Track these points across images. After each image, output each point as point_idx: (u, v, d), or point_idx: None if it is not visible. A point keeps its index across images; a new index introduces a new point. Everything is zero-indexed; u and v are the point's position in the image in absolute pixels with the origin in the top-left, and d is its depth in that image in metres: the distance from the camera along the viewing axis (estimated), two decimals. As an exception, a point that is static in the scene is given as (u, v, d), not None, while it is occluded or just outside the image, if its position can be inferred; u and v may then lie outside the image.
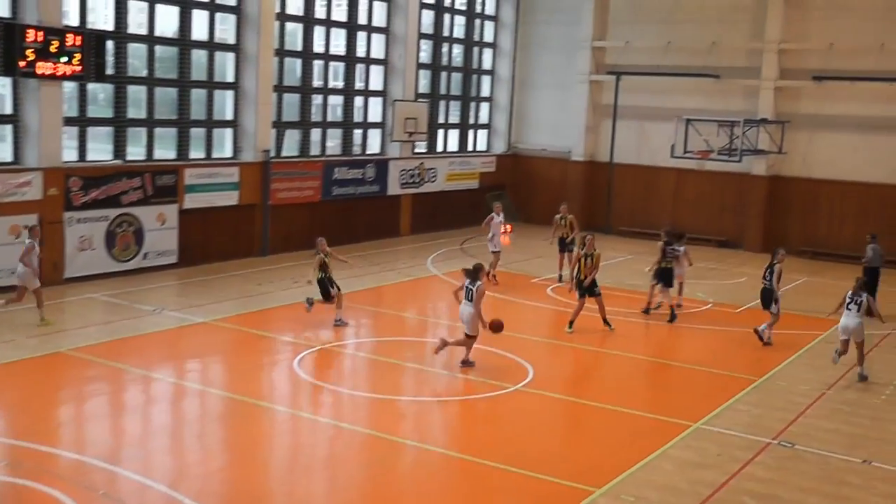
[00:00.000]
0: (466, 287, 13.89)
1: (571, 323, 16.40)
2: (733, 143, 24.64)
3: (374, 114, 26.37)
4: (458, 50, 29.40)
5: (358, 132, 25.87)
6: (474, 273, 13.86)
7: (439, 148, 28.92)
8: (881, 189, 26.24)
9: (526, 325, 16.57)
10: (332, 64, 24.58)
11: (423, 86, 28.30)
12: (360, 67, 25.74)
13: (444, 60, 28.80)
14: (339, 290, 15.92)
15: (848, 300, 14.17)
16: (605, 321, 16.55)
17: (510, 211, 29.61)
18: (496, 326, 13.93)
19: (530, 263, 22.17)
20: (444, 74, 28.76)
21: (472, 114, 30.37)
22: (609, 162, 29.52)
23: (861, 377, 14.40)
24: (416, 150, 27.43)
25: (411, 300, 18.47)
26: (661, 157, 28.09)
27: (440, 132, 28.94)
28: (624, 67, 28.99)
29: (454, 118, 29.78)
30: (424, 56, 28.01)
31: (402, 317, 16.98)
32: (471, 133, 30.50)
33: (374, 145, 26.43)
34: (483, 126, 31.15)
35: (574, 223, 20.60)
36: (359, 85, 25.76)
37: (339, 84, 25.15)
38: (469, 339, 13.95)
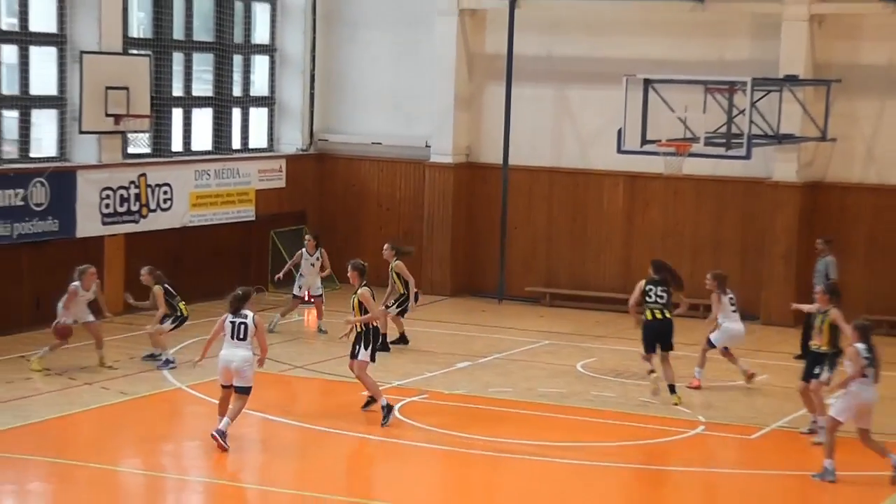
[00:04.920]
0: (232, 322, 17.88)
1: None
2: (735, 124, 25.02)
3: (44, 80, 26.43)
4: (204, -43, 30.04)
5: (10, 116, 26.00)
6: (241, 300, 17.98)
7: (176, 146, 29.27)
8: None
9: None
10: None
11: (140, 25, 28.52)
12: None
13: (179, -24, 29.39)
14: None
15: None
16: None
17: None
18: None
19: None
20: (178, 2, 29.12)
21: (236, 80, 30.83)
22: (502, 164, 29.97)
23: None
24: (132, 151, 27.86)
25: (135, 439, 19.17)
26: (601, 152, 28.65)
27: (176, 115, 29.28)
28: (525, -15, 29.91)
29: (203, 88, 30.13)
30: (139, -32, 28.71)
31: (114, 474, 17.23)
32: (237, 116, 30.96)
33: (44, 142, 26.76)
34: (260, 102, 31.48)
35: (403, 272, 24.55)
36: (7, 23, 25.64)
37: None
38: (244, 396, 17.89)
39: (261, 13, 31.17)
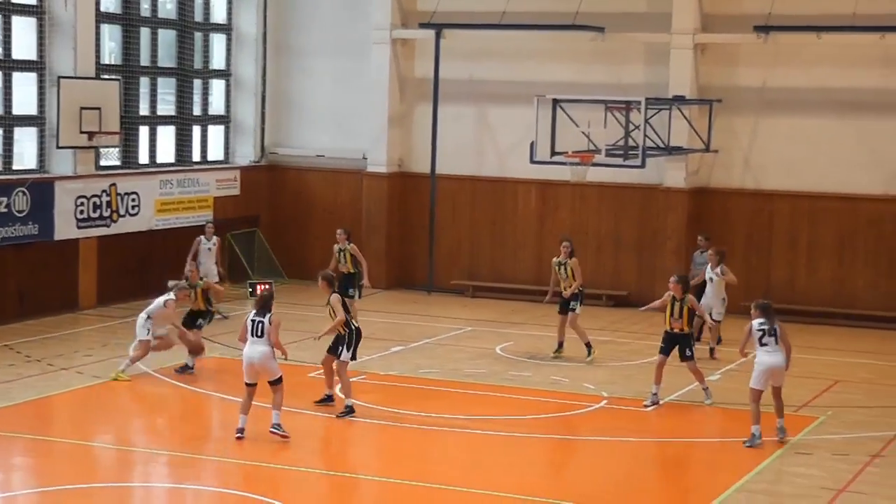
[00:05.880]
0: (252, 321, 17.25)
1: (561, 345, 22.78)
2: (631, 138, 24.99)
3: (24, 101, 26.29)
4: (168, -9, 29.78)
5: (-7, 133, 26.19)
6: (263, 301, 17.41)
7: (143, 159, 29.07)
8: (876, 205, 27.39)
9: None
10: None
11: (111, 52, 28.34)
12: (-7, 21, 26.16)
13: (146, 9, 28.94)
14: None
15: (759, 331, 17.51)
16: (560, 345, 22.81)
17: (268, 263, 30.31)
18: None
19: (305, 347, 22.39)
20: (145, 32, 28.91)
21: (196, 99, 30.61)
22: (430, 174, 30.04)
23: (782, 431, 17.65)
24: (104, 163, 27.62)
25: (106, 418, 19.01)
26: (516, 163, 28.72)
27: (143, 131, 29.05)
28: (448, 16, 29.48)
29: (167, 107, 29.94)
30: (111, 1, 28.07)
31: (90, 449, 17.32)
32: (196, 132, 30.74)
33: (26, 155, 26.61)
34: (218, 120, 31.38)
35: (357, 254, 24.38)
36: (-8, 51, 26.08)
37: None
38: (277, 386, 17.29)
39: (218, 42, 30.79)
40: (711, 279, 22.87)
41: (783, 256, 27.50)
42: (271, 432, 16.87)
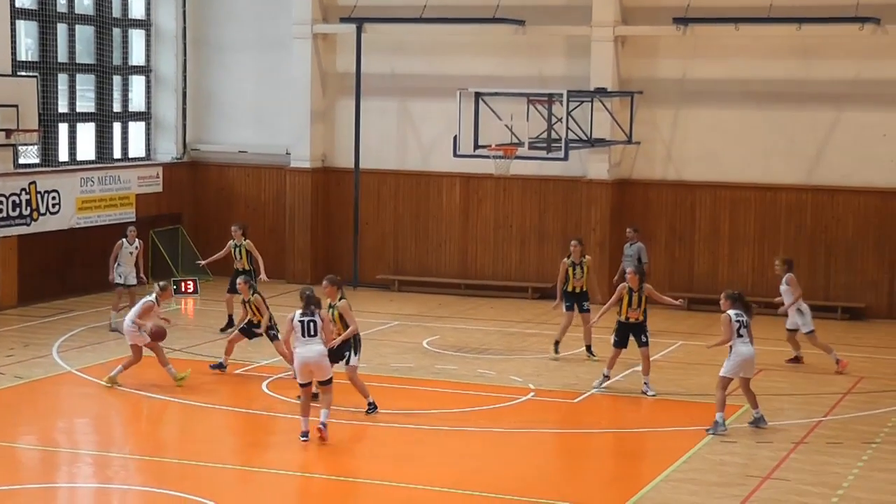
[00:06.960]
0: (301, 321, 16.87)
1: (558, 343, 22.26)
2: (554, 130, 25.13)
3: None
4: (85, -14, 29.41)
5: None
6: (310, 300, 16.97)
7: (62, 156, 28.72)
8: (795, 194, 27.56)
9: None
10: None
11: (28, 49, 28.12)
12: None
13: (63, 4, 28.57)
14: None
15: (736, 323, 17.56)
16: (589, 348, 22.09)
17: (192, 260, 30.35)
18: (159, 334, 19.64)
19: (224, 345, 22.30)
20: (62, 29, 28.51)
21: (116, 96, 30.33)
22: (354, 169, 29.97)
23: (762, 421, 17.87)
24: (23, 161, 27.31)
25: (29, 419, 18.76)
26: (440, 157, 28.73)
27: (62, 129, 28.70)
28: (369, 10, 29.50)
29: (86, 104, 29.55)
30: (26, -4, 27.83)
31: (13, 450, 17.11)
32: (117, 129, 30.43)
33: None
34: (138, 117, 31.08)
35: (253, 251, 24.09)
36: None
37: None
38: (327, 387, 17.02)
39: (137, 38, 30.45)
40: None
41: (706, 246, 27.65)
42: (318, 429, 16.67)
